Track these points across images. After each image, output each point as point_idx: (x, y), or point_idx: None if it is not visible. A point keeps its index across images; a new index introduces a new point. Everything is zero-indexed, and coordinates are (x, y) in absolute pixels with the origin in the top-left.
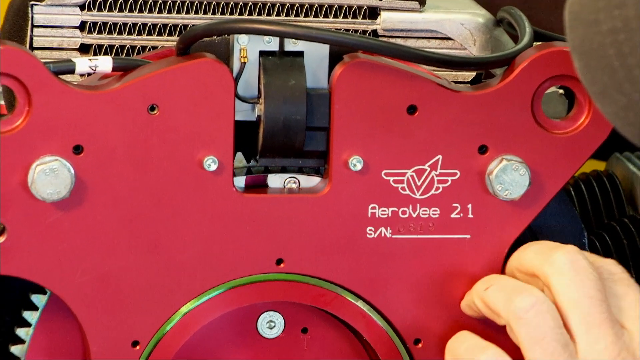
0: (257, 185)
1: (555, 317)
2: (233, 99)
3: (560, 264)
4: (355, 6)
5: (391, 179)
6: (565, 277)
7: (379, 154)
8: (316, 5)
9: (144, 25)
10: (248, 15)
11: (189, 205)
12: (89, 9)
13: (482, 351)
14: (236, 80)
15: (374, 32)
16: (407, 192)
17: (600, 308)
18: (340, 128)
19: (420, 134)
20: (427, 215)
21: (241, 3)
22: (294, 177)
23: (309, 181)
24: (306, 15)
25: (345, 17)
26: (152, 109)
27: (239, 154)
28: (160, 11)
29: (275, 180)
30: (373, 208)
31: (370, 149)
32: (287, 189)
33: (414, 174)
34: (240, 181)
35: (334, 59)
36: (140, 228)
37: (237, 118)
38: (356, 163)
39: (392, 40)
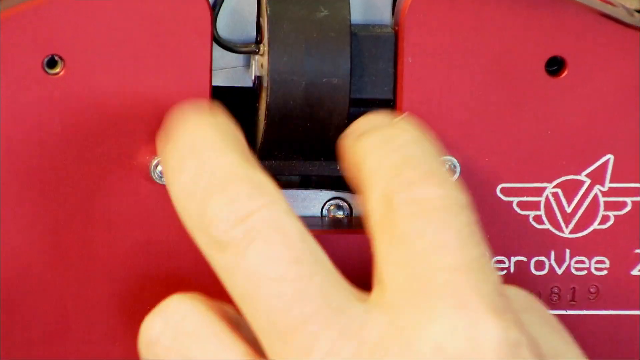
0: None
1: None
2: (209, 45)
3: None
4: None
5: (515, 200)
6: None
7: (489, 153)
8: None
9: None
10: None
11: (125, 249)
12: None
13: None
14: (214, 10)
15: None
16: (547, 225)
17: None
18: (417, 102)
19: (571, 113)
20: (584, 272)
21: None
22: (338, 199)
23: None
24: None
25: None
26: (52, 64)
27: None
28: None
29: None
30: None
31: (473, 143)
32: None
33: (558, 190)
34: None
35: None
36: (32, 292)
37: (216, 83)
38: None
39: None
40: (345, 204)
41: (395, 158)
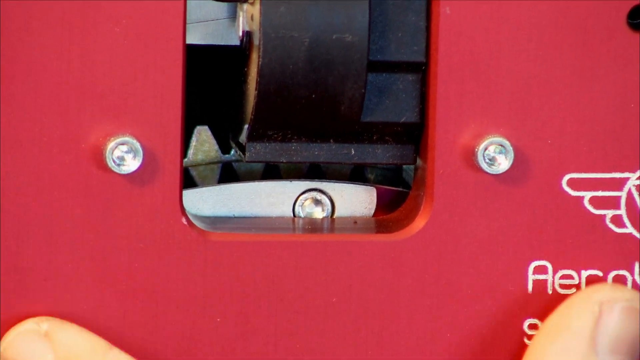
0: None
1: None
2: None
3: None
4: None
5: (587, 195)
6: None
7: (553, 133)
8: None
9: None
10: None
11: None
12: None
13: None
14: None
15: None
16: (629, 229)
17: None
18: (456, 66)
19: None
20: None
21: None
22: (316, 191)
23: (361, 201)
24: None
25: None
26: None
27: (202, 130)
28: None
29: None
30: (540, 270)
31: (531, 119)
32: (302, 219)
33: None
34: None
35: None
36: None
37: (192, 40)
38: (495, 155)
39: None
40: (325, 197)
41: None
